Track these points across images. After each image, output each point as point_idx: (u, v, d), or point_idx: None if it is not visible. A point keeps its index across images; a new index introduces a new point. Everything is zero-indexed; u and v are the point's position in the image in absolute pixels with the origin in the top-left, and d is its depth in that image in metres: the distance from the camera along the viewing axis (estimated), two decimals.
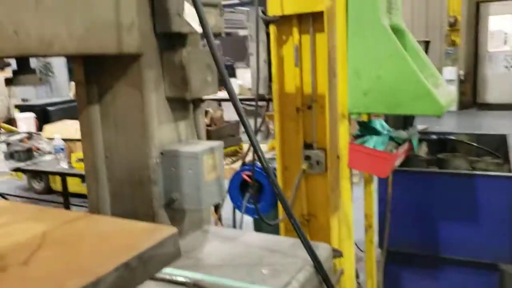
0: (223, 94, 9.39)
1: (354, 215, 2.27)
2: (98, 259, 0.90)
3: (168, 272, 1.31)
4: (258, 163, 2.98)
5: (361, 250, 2.83)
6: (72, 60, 1.48)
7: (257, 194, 2.83)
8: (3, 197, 5.70)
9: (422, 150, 3.26)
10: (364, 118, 2.49)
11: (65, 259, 0.91)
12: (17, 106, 7.01)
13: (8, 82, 1.06)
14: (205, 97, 1.52)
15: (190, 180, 1.41)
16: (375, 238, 2.76)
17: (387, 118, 2.64)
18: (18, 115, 6.05)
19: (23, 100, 9.07)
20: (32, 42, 1.01)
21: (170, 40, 1.41)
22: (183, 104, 1.50)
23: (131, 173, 1.45)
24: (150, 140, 1.42)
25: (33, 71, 1.11)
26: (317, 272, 1.36)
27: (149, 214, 1.43)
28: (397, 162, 2.23)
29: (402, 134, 2.33)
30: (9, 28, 0.96)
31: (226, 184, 1.83)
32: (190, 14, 1.30)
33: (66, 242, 0.99)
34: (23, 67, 1.09)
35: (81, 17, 1.14)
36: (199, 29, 1.27)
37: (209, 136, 4.11)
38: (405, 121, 2.61)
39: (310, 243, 1.41)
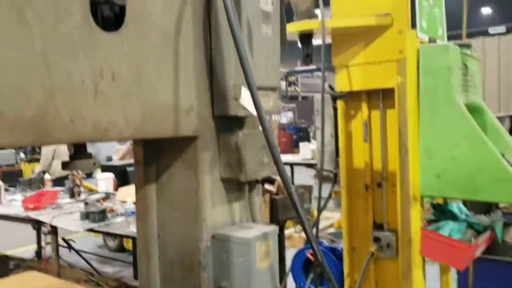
0: (292, 158, 9.30)
1: None
2: None
3: None
4: (324, 242, 2.84)
5: None
6: (133, 140, 1.51)
7: (321, 275, 2.66)
8: (80, 255, 5.94)
9: (510, 235, 2.93)
10: (440, 200, 2.30)
11: None
12: (100, 166, 7.45)
13: (64, 166, 1.09)
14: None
15: (241, 268, 1.33)
16: None
17: (465, 201, 2.42)
18: (99, 175, 6.40)
19: (108, 158, 9.67)
20: (88, 130, 1.04)
21: (227, 122, 1.40)
22: (238, 185, 1.46)
23: (182, 255, 1.41)
24: (203, 223, 1.38)
25: (89, 156, 1.13)
26: None
27: None
28: (478, 252, 2.00)
29: (483, 220, 2.10)
30: (66, 116, 0.99)
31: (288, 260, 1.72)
32: (246, 98, 1.29)
33: None
34: (79, 152, 1.12)
35: (139, 103, 1.16)
36: (254, 113, 1.25)
37: (276, 205, 4.03)
38: (487, 204, 2.37)
39: None
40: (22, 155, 16.39)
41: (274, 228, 1.43)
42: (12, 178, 9.17)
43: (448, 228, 1.92)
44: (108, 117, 1.08)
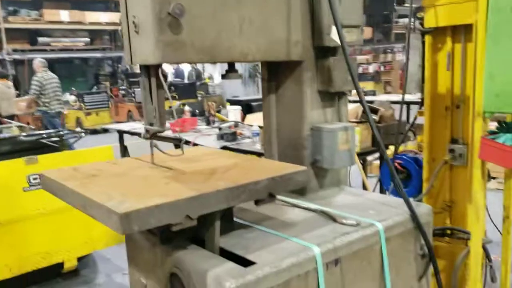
0: (395, 97, 9.55)
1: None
2: (260, 175, 1.62)
3: (306, 204, 1.98)
4: (409, 153, 3.40)
5: (501, 234, 3.01)
6: (261, 64, 2.25)
7: (406, 180, 3.28)
8: None
9: None
10: (508, 118, 2.72)
11: (244, 174, 1.66)
12: (228, 100, 8.54)
13: (223, 77, 1.88)
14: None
15: (329, 148, 2.05)
16: None
17: None
18: (228, 107, 7.43)
19: (234, 96, 10.84)
20: (236, 54, 1.79)
21: (323, 50, 2.07)
22: (330, 96, 2.14)
23: (291, 141, 2.16)
24: (305, 120, 2.10)
25: (236, 71, 1.90)
26: (413, 219, 1.86)
27: None
28: None
29: None
30: (226, 45, 1.76)
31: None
32: (335, 33, 1.94)
33: (246, 168, 1.75)
34: (231, 69, 1.90)
35: (265, 38, 1.88)
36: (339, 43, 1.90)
37: (378, 131, 4.59)
38: None
39: (411, 201, 1.91)
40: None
41: (352, 125, 2.10)
42: None
43: (503, 138, 2.40)
44: (247, 46, 1.82)
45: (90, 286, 4.23)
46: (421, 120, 3.38)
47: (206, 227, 1.59)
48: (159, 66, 1.68)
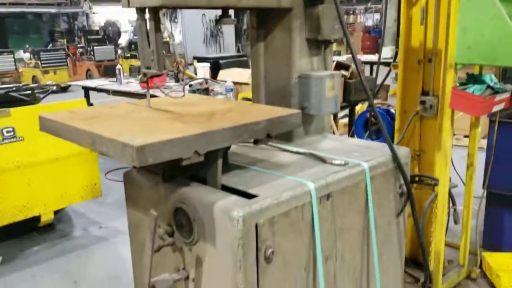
0: (374, 57, 9.81)
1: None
2: (257, 117, 1.70)
3: (295, 149, 2.10)
4: (381, 106, 3.58)
5: (463, 183, 3.27)
6: (250, 11, 2.29)
7: (378, 131, 3.46)
8: None
9: None
10: (476, 71, 2.91)
11: (241, 116, 1.75)
12: (195, 58, 8.47)
13: (217, 22, 1.92)
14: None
15: (316, 94, 2.15)
16: (478, 178, 3.19)
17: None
18: (196, 64, 7.40)
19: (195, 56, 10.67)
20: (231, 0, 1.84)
21: None
22: (317, 44, 2.23)
23: (279, 88, 2.25)
24: (293, 67, 2.18)
25: (230, 16, 1.95)
26: (394, 160, 2.01)
27: None
28: (495, 108, 2.65)
29: (508, 86, 2.72)
30: None
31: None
32: None
33: (242, 111, 1.83)
34: (224, 14, 1.94)
35: None
36: None
37: (349, 87, 4.74)
38: None
39: (393, 144, 2.06)
40: (119, 51, 17.93)
41: (338, 73, 2.20)
42: (113, 71, 10.47)
43: (472, 88, 2.58)
44: None
45: (67, 240, 4.27)
46: (388, 80, 3.56)
47: (209, 165, 1.68)
48: (158, 8, 1.71)
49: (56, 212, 4.24)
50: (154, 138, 1.39)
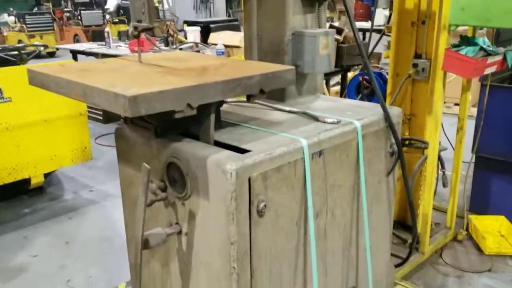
0: (367, 25, 9.73)
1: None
2: (252, 72, 1.69)
3: (288, 108, 2.09)
4: (374, 70, 3.56)
5: (453, 149, 3.31)
6: None
7: (370, 95, 3.46)
8: None
9: None
10: (469, 34, 2.89)
11: (235, 71, 1.73)
12: (185, 22, 8.31)
13: None
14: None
15: (310, 52, 2.13)
16: (467, 145, 3.23)
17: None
18: (187, 28, 7.26)
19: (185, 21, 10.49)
20: None
21: None
22: (311, 1, 2.19)
23: (272, 46, 2.22)
24: (286, 25, 2.15)
25: None
26: (385, 119, 2.02)
27: None
28: (487, 70, 2.65)
29: (500, 49, 2.72)
30: None
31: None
32: None
33: (235, 67, 1.81)
34: None
35: None
36: None
37: (342, 52, 4.71)
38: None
39: (386, 104, 2.06)
40: (107, 16, 17.53)
41: (332, 30, 2.18)
42: (101, 36, 10.26)
43: (465, 50, 2.58)
44: None
45: (57, 202, 4.27)
46: (379, 48, 3.52)
47: (202, 120, 1.67)
48: None
49: (46, 176, 4.23)
50: (146, 89, 1.37)
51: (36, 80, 1.75)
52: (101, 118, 6.80)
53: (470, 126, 3.41)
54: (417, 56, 3.06)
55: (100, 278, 3.10)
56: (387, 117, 2.04)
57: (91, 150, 4.26)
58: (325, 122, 1.92)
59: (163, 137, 1.74)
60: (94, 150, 5.46)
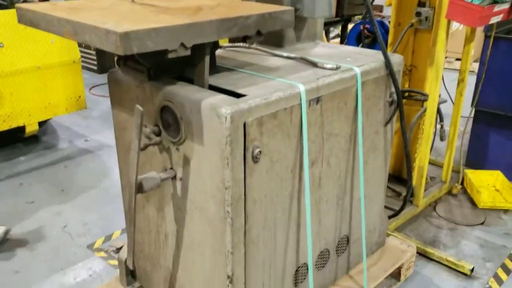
0: None
1: None
2: (248, 12, 1.62)
3: (286, 54, 2.03)
4: (376, 18, 3.46)
5: (452, 102, 3.27)
6: None
7: (371, 45, 3.38)
8: None
9: None
10: None
11: (231, 11, 1.65)
12: None
13: None
14: None
15: None
16: (468, 97, 3.18)
17: None
18: None
19: None
20: None
21: None
22: None
23: None
24: None
25: None
26: (386, 66, 1.97)
27: None
28: (493, 19, 2.57)
29: None
30: None
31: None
32: None
33: (232, 7, 1.73)
34: None
35: None
36: None
37: (343, 1, 4.56)
38: None
39: (387, 52, 2.00)
40: None
41: None
42: None
43: None
44: None
45: (52, 151, 4.25)
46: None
47: (196, 62, 1.61)
48: None
49: (41, 124, 4.18)
50: (139, 26, 1.31)
51: (25, 18, 1.68)
52: (95, 68, 6.67)
53: (470, 82, 3.36)
54: (421, 4, 2.95)
55: (96, 225, 3.13)
56: (388, 64, 1.99)
57: (86, 99, 4.19)
58: (324, 68, 1.87)
59: (156, 80, 1.69)
60: (89, 100, 5.39)
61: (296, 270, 1.95)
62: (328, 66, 1.87)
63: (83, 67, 5.59)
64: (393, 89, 2.10)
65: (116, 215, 3.19)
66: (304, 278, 2.01)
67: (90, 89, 5.95)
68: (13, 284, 2.58)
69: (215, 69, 1.86)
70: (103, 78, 6.31)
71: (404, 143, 2.31)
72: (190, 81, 1.68)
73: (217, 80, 1.73)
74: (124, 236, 2.87)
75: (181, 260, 1.89)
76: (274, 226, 1.76)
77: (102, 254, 2.84)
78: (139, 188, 1.63)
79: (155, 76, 1.69)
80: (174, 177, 1.74)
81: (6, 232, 2.92)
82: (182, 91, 1.59)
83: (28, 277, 2.63)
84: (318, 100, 1.75)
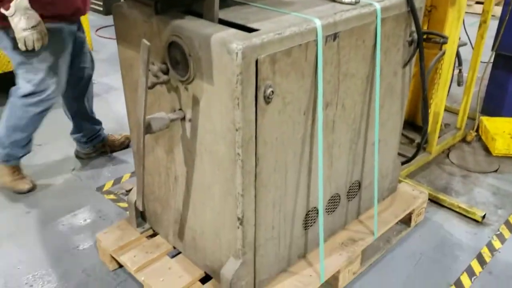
0: None
1: None
2: None
3: None
4: None
5: (472, 47, 3.13)
6: None
7: None
8: None
9: None
10: None
11: None
12: None
13: None
14: None
15: None
16: (488, 43, 3.03)
17: None
18: None
19: None
20: None
21: None
22: None
23: None
24: None
25: None
26: (408, 2, 1.84)
27: None
28: None
29: None
30: None
31: None
32: None
33: None
34: None
35: None
36: None
37: None
38: None
39: None
40: None
41: None
42: None
43: None
44: None
45: None
46: None
47: None
48: None
49: None
50: None
51: None
52: (101, 9, 6.48)
53: (492, 27, 3.18)
54: None
55: (105, 168, 3.12)
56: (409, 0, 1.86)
57: (92, 42, 4.07)
58: (341, 3, 1.76)
59: (164, 14, 1.59)
60: (95, 43, 5.27)
61: (306, 214, 1.93)
62: (347, 0, 1.75)
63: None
64: (413, 28, 1.98)
65: (125, 158, 3.17)
66: (314, 222, 1.99)
67: (96, 30, 5.80)
68: (24, 224, 2.60)
69: (225, 2, 1.75)
70: (109, 19, 6.13)
71: (422, 86, 2.22)
72: (199, 15, 1.58)
73: (227, 14, 1.63)
74: (134, 179, 2.87)
75: (191, 202, 1.87)
76: (285, 169, 1.71)
77: (112, 196, 2.84)
78: (148, 128, 1.57)
79: (162, 10, 1.59)
80: (183, 118, 1.68)
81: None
82: (190, 26, 1.50)
83: (38, 217, 2.65)
84: (335, 36, 1.64)
